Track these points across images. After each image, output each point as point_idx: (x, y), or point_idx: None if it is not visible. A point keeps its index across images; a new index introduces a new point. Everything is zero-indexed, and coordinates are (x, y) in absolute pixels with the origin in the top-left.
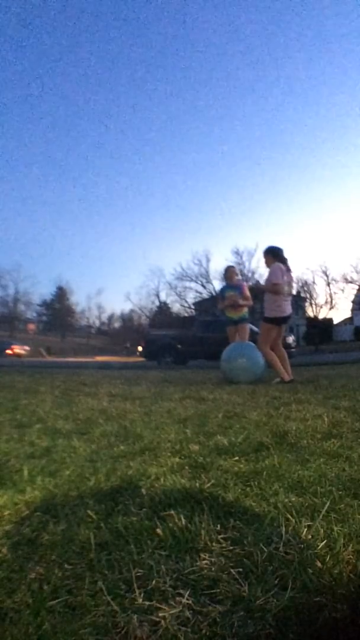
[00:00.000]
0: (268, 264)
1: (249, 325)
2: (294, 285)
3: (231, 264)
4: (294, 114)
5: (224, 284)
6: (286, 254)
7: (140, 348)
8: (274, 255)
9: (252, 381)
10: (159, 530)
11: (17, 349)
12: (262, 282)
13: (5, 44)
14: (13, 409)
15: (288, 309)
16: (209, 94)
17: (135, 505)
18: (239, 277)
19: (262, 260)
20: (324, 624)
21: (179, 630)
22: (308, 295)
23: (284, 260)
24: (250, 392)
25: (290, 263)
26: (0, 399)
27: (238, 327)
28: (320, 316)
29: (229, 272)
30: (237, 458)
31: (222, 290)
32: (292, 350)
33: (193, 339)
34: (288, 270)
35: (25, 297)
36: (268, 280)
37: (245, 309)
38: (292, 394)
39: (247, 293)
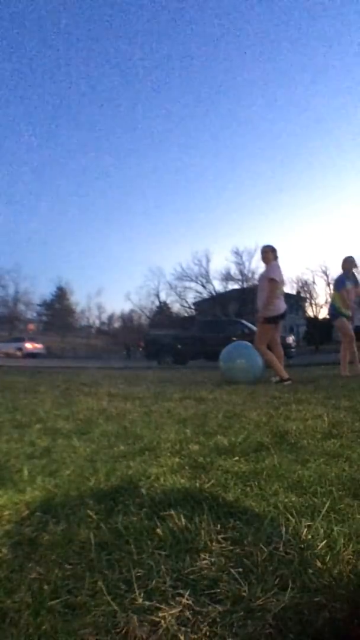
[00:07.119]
0: (268, 260)
1: (247, 324)
2: (294, 285)
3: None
4: (294, 114)
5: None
6: (285, 254)
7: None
8: (274, 252)
9: (252, 381)
10: (159, 530)
11: None
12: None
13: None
14: (13, 409)
15: (282, 307)
16: (210, 94)
17: (135, 505)
18: None
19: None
20: (324, 624)
21: (179, 630)
22: (308, 295)
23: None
24: (250, 392)
25: (289, 263)
26: (0, 399)
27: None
28: (320, 316)
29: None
30: (237, 458)
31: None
32: (292, 350)
33: (193, 339)
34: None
35: (25, 297)
36: (267, 274)
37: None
38: (292, 394)
39: None
